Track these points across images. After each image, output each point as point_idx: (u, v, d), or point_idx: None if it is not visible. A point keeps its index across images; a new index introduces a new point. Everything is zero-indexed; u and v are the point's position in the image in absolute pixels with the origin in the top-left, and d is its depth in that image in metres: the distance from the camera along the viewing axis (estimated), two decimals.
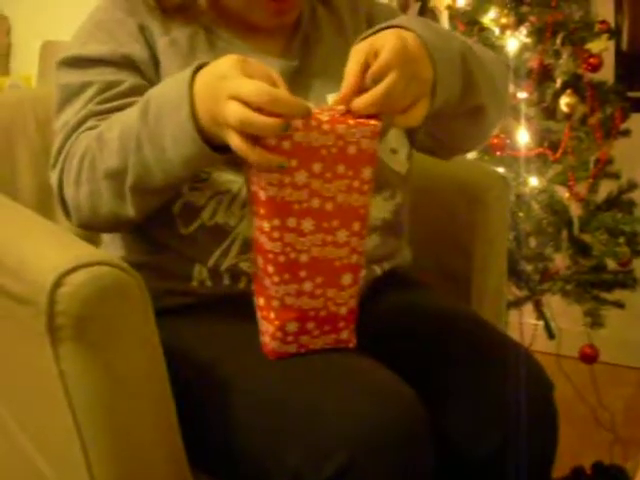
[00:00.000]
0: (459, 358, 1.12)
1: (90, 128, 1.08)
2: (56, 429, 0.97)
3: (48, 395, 0.95)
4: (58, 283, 0.88)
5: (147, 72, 1.14)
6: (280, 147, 0.93)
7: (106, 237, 1.26)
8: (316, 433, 0.94)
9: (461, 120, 1.16)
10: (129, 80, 1.12)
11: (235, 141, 0.91)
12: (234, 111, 0.90)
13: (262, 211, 0.97)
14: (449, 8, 2.06)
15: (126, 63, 1.13)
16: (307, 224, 0.98)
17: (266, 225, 0.97)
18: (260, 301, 1.04)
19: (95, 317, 0.89)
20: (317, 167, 0.96)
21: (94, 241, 1.24)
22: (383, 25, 1.03)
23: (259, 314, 1.05)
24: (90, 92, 1.11)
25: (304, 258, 0.99)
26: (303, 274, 1.00)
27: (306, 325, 1.02)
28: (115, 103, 1.10)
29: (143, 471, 0.97)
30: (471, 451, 1.07)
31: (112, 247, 1.23)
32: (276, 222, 0.97)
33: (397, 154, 1.23)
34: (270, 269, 1.00)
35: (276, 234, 0.97)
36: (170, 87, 1.01)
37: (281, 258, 0.99)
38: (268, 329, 1.03)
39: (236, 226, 1.13)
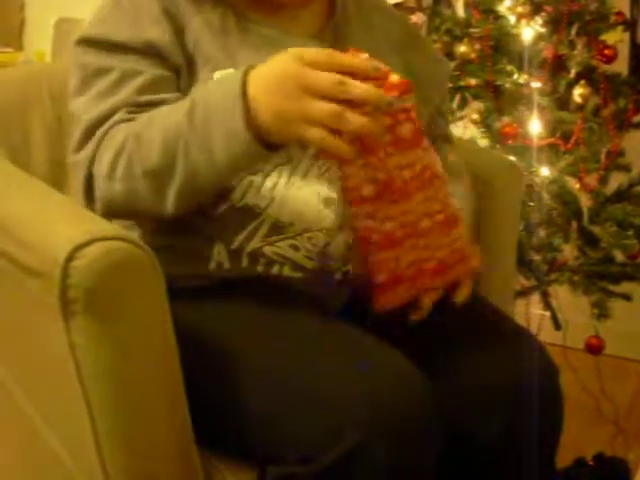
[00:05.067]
0: (464, 341, 1.13)
1: (121, 121, 1.06)
2: (66, 402, 0.98)
3: (58, 368, 0.95)
4: (72, 256, 0.88)
5: (170, 57, 1.11)
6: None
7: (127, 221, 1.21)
8: (327, 414, 0.94)
9: None
10: (150, 71, 1.10)
11: (317, 135, 0.92)
12: (322, 108, 0.91)
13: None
14: None
15: (148, 50, 1.10)
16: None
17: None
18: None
19: (107, 291, 0.90)
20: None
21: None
22: None
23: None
24: (113, 77, 1.09)
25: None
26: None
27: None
28: (148, 97, 1.08)
29: (150, 445, 0.98)
30: (475, 434, 1.08)
31: (131, 228, 1.20)
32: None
33: None
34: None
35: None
36: (218, 89, 1.00)
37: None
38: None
39: (266, 208, 1.12)
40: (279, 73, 0.94)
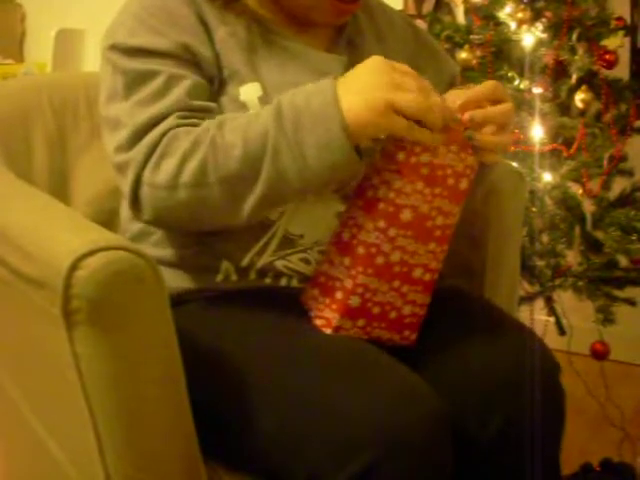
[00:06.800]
0: (463, 338, 1.12)
1: (177, 125, 1.03)
2: (69, 413, 0.97)
3: (62, 378, 0.95)
4: (74, 266, 0.88)
5: (205, 66, 1.10)
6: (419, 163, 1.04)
7: (135, 231, 1.21)
8: (340, 432, 0.93)
9: None
10: (192, 76, 1.08)
11: (405, 124, 0.98)
12: (411, 97, 0.99)
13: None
14: (465, 2, 2.06)
15: (185, 56, 1.08)
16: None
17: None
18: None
19: (110, 301, 0.89)
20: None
21: (111, 227, 1.24)
22: None
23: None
24: (160, 80, 1.06)
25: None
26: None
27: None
28: (198, 102, 1.07)
29: (154, 456, 0.97)
30: (477, 431, 1.06)
31: (136, 240, 1.20)
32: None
33: None
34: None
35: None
36: (308, 96, 1.00)
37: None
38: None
39: (277, 220, 1.12)
40: (369, 71, 1.01)
